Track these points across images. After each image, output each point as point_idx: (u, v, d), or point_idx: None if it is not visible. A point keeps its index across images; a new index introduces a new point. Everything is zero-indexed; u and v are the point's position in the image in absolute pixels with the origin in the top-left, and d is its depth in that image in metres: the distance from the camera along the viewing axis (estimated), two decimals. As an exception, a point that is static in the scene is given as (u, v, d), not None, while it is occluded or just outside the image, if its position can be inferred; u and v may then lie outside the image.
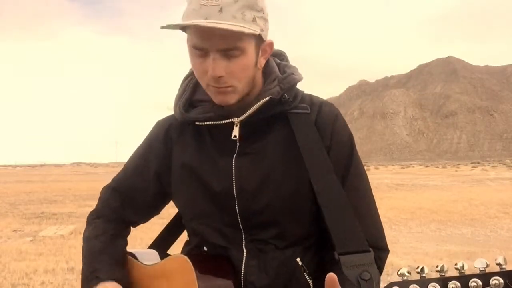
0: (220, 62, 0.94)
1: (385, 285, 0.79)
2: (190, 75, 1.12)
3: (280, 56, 1.15)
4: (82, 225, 9.59)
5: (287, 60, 1.14)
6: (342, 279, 0.89)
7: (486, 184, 24.09)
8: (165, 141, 1.14)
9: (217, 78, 0.96)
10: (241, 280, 1.02)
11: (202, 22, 0.90)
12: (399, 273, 0.79)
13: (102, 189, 1.24)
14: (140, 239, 5.95)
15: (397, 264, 5.50)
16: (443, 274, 0.77)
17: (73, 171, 60.47)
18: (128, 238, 1.26)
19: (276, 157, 1.03)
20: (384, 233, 1.07)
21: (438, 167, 69.98)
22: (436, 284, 0.76)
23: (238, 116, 1.03)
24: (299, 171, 1.02)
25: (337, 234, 0.93)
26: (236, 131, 1.03)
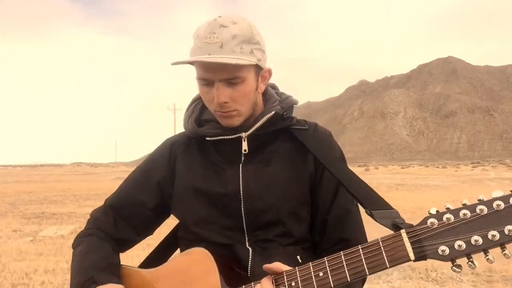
0: (223, 90, 1.06)
1: (422, 219, 0.89)
2: (198, 99, 1.23)
3: (274, 87, 1.27)
4: (82, 225, 9.55)
5: (279, 90, 1.27)
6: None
7: (486, 184, 24.08)
8: (170, 155, 1.22)
9: (222, 104, 1.07)
10: (247, 274, 1.07)
11: (205, 58, 1.02)
12: (430, 212, 0.90)
13: (92, 211, 1.26)
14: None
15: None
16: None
17: (73, 171, 60.46)
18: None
19: (280, 166, 1.14)
20: (366, 239, 1.16)
21: (438, 167, 70.00)
22: (466, 210, 0.88)
23: (245, 132, 1.13)
24: (300, 179, 1.14)
25: (365, 199, 1.04)
26: (245, 146, 1.13)
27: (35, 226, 9.60)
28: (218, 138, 1.14)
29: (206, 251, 1.02)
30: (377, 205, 1.02)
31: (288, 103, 1.19)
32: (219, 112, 1.10)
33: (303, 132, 1.17)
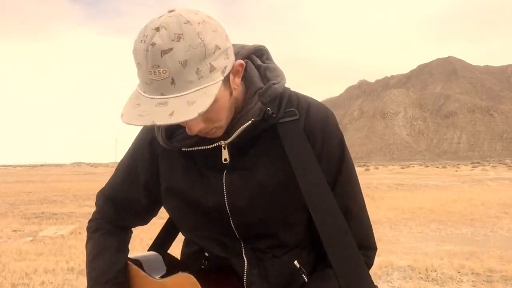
0: (194, 119, 0.86)
1: None
2: None
3: (260, 51, 1.06)
4: (82, 225, 9.60)
5: (267, 56, 1.06)
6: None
7: (486, 184, 24.07)
8: (150, 155, 1.11)
9: (197, 132, 0.92)
10: None
11: (162, 117, 0.81)
12: None
13: (97, 194, 1.24)
14: (140, 239, 5.94)
15: (397, 264, 5.49)
16: None
17: (73, 171, 60.43)
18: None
19: (267, 171, 1.01)
20: (373, 232, 1.10)
21: (438, 167, 69.94)
22: None
23: (224, 139, 0.99)
24: (290, 182, 1.00)
25: (341, 274, 0.92)
26: (225, 154, 1.01)
27: (35, 226, 9.60)
28: (195, 148, 1.01)
29: (193, 280, 0.97)
30: (356, 284, 0.90)
31: (269, 96, 0.97)
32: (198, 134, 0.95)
33: (292, 125, 0.99)
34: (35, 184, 26.20)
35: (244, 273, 1.03)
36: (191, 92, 0.82)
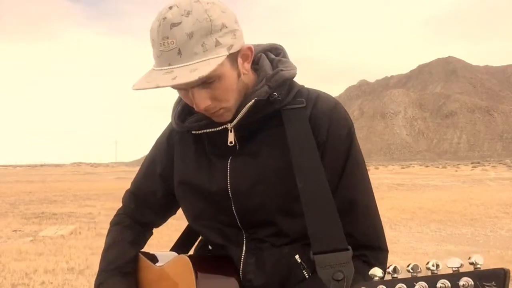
0: (200, 94, 0.94)
1: (371, 281, 0.74)
2: None
3: (276, 50, 1.11)
4: (82, 225, 9.62)
5: (284, 54, 1.11)
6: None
7: (486, 184, 24.08)
8: (168, 144, 1.17)
9: (204, 109, 0.96)
10: (240, 278, 1.03)
11: (166, 80, 0.88)
12: (370, 273, 0.74)
13: (125, 192, 1.28)
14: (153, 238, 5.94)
15: (397, 264, 5.49)
16: (414, 274, 0.74)
17: (73, 171, 60.48)
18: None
19: (270, 156, 1.02)
20: (383, 232, 1.05)
21: (438, 167, 69.92)
22: (403, 285, 0.72)
23: (230, 122, 1.03)
24: (292, 170, 1.00)
25: (313, 233, 0.92)
26: (231, 137, 1.04)
27: (35, 226, 9.60)
28: (203, 131, 1.05)
29: (187, 261, 0.98)
30: (327, 245, 0.89)
31: (276, 81, 1.00)
32: (205, 113, 1.00)
33: (297, 112, 1.02)
34: (35, 184, 26.20)
35: (240, 261, 1.04)
36: (195, 63, 0.89)
